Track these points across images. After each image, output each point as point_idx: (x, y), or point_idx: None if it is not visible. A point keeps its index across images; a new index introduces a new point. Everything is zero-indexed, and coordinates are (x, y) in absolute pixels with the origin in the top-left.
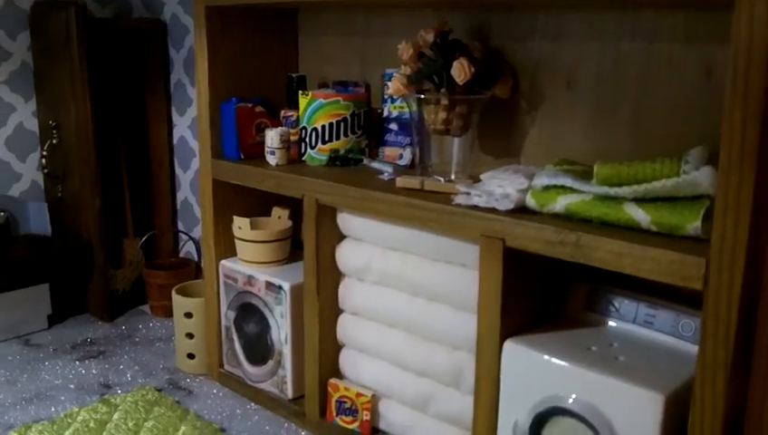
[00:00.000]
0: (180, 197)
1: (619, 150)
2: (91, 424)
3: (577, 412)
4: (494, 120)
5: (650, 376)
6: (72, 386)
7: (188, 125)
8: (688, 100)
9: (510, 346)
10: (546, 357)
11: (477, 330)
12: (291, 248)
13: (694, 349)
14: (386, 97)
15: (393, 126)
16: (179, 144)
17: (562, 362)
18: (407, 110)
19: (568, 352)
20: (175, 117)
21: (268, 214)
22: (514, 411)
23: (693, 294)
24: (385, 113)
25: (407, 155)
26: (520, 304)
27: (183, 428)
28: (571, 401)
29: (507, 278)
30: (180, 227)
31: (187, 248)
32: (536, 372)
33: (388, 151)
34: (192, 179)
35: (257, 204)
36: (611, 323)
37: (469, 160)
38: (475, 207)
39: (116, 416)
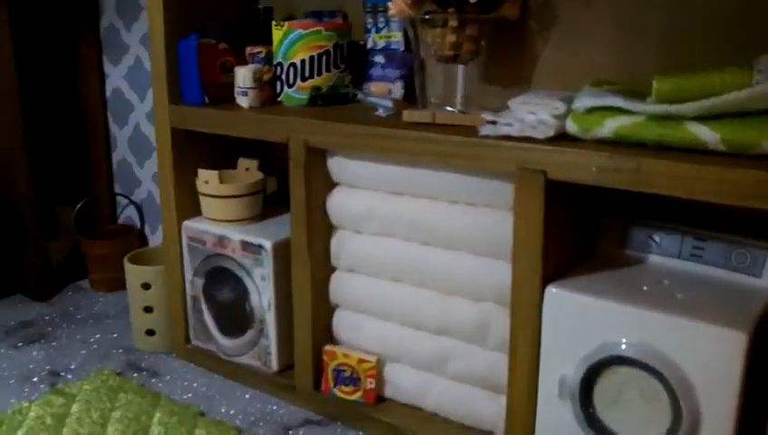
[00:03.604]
0: (117, 157)
1: (648, 71)
2: (48, 420)
3: (640, 360)
4: (500, 45)
5: (722, 313)
6: (12, 380)
7: (124, 75)
8: (727, 3)
9: (553, 292)
10: (599, 301)
11: (513, 276)
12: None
13: (753, 281)
14: (369, 26)
15: (379, 58)
16: (114, 97)
17: (619, 305)
18: (394, 39)
19: (620, 293)
20: (107, 66)
21: (232, 167)
22: (560, 365)
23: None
24: (369, 45)
25: (396, 90)
26: (559, 245)
27: (158, 414)
28: (632, 348)
29: (548, 216)
30: (118, 190)
31: (127, 214)
32: (587, 318)
33: (374, 87)
34: (131, 136)
35: (220, 156)
36: (653, 260)
37: (477, 91)
38: (507, 138)
39: (75, 408)
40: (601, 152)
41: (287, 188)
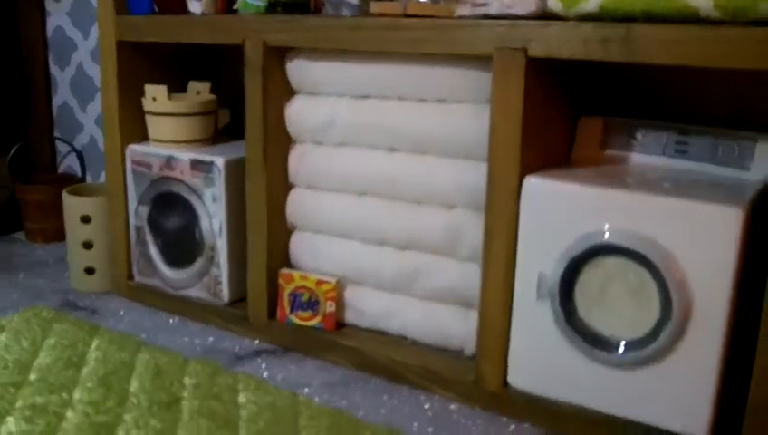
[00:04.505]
0: (57, 101)
1: None
2: None
3: (625, 247)
4: None
5: (714, 195)
6: None
7: (67, 11)
8: None
9: (532, 182)
10: (580, 187)
11: (489, 168)
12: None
13: (741, 173)
14: None
15: None
16: (55, 36)
17: (602, 190)
18: None
19: (602, 182)
20: (49, 4)
21: (182, 91)
22: (538, 264)
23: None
24: None
25: None
26: (537, 139)
27: (96, 341)
28: (617, 234)
29: (528, 102)
30: (58, 136)
31: (67, 163)
32: (568, 208)
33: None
34: (73, 77)
35: (169, 80)
36: (635, 159)
37: None
38: (485, 17)
39: (2, 337)
40: (587, 23)
41: (240, 121)
